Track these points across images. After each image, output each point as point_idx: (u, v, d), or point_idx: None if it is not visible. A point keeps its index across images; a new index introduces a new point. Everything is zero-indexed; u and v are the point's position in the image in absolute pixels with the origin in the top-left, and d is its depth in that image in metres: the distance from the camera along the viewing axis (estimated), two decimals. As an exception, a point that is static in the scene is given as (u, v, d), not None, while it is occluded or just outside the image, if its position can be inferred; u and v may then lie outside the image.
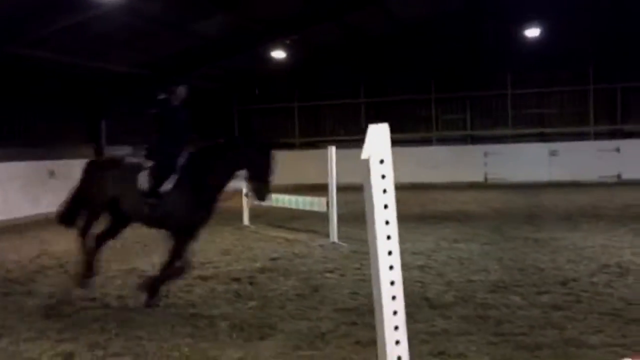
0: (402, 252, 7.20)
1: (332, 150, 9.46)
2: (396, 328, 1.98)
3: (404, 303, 2.01)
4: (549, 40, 19.21)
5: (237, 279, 7.04)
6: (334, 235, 9.35)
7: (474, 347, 4.42)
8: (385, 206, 1.95)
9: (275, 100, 22.60)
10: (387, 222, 1.96)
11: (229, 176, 6.05)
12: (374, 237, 1.95)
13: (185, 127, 6.38)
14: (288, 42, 18.08)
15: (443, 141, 21.12)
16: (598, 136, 19.59)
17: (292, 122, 22.69)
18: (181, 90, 6.45)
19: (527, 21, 19.02)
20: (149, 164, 6.16)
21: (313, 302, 5.92)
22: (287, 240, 9.78)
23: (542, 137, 20.02)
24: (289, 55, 19.28)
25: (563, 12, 19.02)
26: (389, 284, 1.96)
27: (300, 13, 16.76)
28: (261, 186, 5.95)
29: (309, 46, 20.05)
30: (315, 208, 9.98)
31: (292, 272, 7.37)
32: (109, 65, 15.92)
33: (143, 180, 6.11)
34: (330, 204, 9.41)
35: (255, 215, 11.76)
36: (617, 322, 4.90)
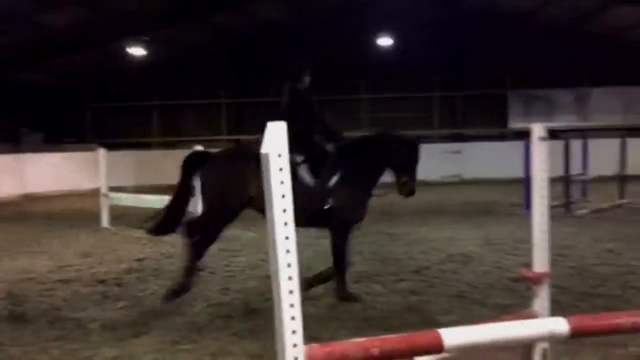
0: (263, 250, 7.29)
1: (199, 149, 9.49)
2: (292, 305, 2.21)
3: (299, 283, 2.24)
4: (400, 50, 20.68)
5: (102, 281, 6.85)
6: (200, 235, 9.36)
7: (344, 330, 4.77)
8: (283, 196, 2.17)
9: (132, 99, 21.88)
10: (284, 210, 2.18)
11: (382, 172, 5.91)
12: (273, 224, 2.17)
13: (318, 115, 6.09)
14: (147, 39, 17.64)
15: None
16: (441, 139, 21.40)
17: (150, 121, 22.10)
18: (308, 78, 6.16)
19: (381, 31, 20.32)
20: (300, 157, 5.74)
21: (186, 299, 5.94)
22: (151, 240, 9.59)
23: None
24: (150, 53, 18.81)
25: (413, 26, 20.61)
26: (286, 266, 2.18)
27: (158, 10, 16.44)
28: (408, 180, 5.79)
29: (171, 45, 19.72)
30: (181, 208, 9.94)
31: (160, 271, 7.32)
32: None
33: (306, 176, 5.72)
34: (197, 204, 9.42)
35: (114, 217, 11.36)
36: (464, 303, 5.54)
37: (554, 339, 2.72)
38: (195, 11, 16.93)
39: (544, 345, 3.49)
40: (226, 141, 22.10)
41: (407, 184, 5.81)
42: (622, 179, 13.63)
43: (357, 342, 2.40)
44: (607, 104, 21.62)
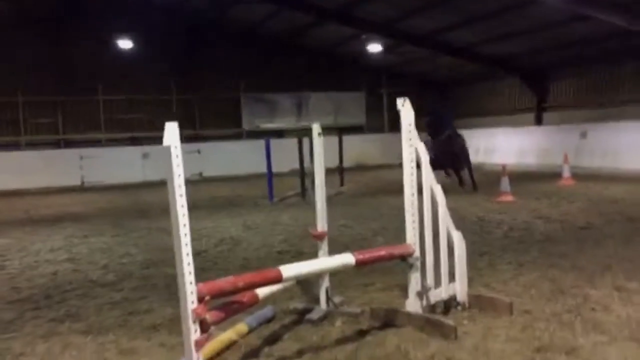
0: (39, 251, 7.83)
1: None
2: (187, 254, 3.06)
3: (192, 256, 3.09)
4: (139, 52, 20.91)
5: None
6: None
7: (156, 304, 5.50)
8: (179, 175, 3.02)
9: None
10: (180, 186, 3.02)
11: None
12: (174, 194, 2.99)
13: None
14: None
15: (33, 145, 20.50)
16: (181, 140, 22.16)
17: None
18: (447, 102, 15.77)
19: (121, 33, 20.29)
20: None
21: (-26, 301, 5.92)
22: None
23: (134, 141, 21.57)
24: None
25: (151, 30, 21.07)
26: (182, 226, 3.02)
27: None
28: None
29: None
30: None
31: None
32: None
33: (462, 141, 13.60)
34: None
35: None
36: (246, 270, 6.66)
37: (348, 267, 4.01)
38: None
39: (326, 284, 4.83)
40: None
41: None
42: (340, 170, 16.33)
43: (228, 280, 3.35)
44: (321, 107, 24.89)
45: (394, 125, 24.18)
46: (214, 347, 3.77)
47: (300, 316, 4.83)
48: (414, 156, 4.41)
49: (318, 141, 4.87)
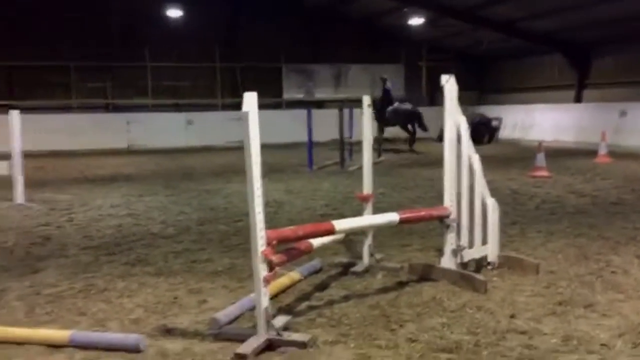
0: (101, 207, 8.56)
1: (16, 114, 9.66)
2: (260, 221, 3.60)
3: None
4: (184, 20, 21.52)
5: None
6: (19, 198, 9.59)
7: (215, 255, 6.12)
8: (255, 137, 3.55)
9: None
10: (255, 146, 3.56)
11: None
12: (250, 153, 3.53)
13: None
14: None
15: (84, 109, 21.43)
16: (224, 107, 22.93)
17: None
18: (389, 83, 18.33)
19: (169, 0, 20.93)
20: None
21: (53, 248, 6.59)
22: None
23: (178, 108, 22.33)
24: None
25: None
26: (257, 187, 3.56)
27: None
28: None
29: None
30: (-3, 172, 9.99)
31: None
32: None
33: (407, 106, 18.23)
34: (14, 168, 9.63)
35: None
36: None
37: (393, 224, 4.54)
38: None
39: (369, 242, 5.37)
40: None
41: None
42: (378, 141, 16.76)
43: (291, 228, 3.91)
44: (360, 79, 25.18)
45: (433, 98, 24.41)
46: (271, 290, 4.34)
47: (345, 269, 5.39)
48: (455, 128, 4.86)
49: (367, 111, 5.35)
